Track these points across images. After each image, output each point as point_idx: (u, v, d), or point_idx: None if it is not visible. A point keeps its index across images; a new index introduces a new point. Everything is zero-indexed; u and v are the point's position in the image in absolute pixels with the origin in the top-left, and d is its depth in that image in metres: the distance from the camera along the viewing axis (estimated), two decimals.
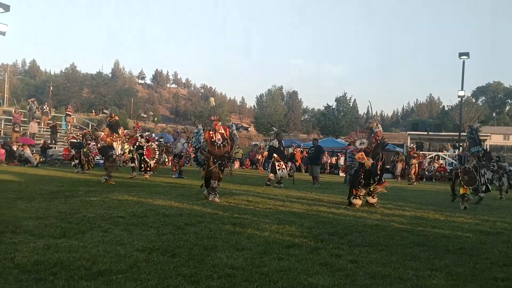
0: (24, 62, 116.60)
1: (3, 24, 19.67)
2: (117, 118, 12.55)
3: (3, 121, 24.85)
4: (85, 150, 16.56)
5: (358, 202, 9.21)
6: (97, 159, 22.79)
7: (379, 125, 9.65)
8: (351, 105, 68.59)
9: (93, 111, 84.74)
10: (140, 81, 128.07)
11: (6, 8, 19.63)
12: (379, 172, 9.30)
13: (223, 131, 9.35)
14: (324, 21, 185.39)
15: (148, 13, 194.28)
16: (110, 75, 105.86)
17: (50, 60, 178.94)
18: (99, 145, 13.39)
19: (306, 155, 24.22)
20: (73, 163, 17.02)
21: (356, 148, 9.37)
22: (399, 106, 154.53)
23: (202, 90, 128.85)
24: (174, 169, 16.36)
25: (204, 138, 9.36)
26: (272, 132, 15.41)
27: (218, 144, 9.18)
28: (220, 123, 9.56)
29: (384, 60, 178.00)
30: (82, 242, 4.67)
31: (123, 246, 4.56)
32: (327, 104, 69.37)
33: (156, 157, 15.09)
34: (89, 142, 17.22)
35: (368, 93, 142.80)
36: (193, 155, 25.28)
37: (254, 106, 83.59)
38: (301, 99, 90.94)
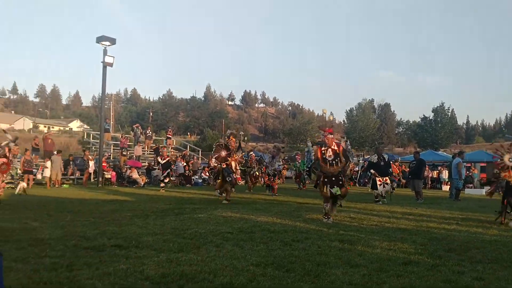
0: (126, 91, 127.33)
1: (110, 56, 21.48)
2: (233, 139, 12.57)
3: (112, 146, 27.00)
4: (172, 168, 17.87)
5: None
6: (196, 178, 23.99)
7: None
8: (449, 115, 64.73)
9: (189, 133, 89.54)
10: (230, 102, 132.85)
11: (113, 41, 21.49)
12: None
13: (335, 147, 8.29)
14: (416, 31, 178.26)
15: (234, 38, 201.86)
16: (202, 99, 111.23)
17: (149, 87, 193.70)
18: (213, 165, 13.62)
19: (405, 169, 23.24)
20: (162, 184, 17.81)
21: (504, 163, 8.35)
22: (502, 114, 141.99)
23: (290, 108, 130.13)
24: (271, 186, 16.27)
25: (313, 155, 8.40)
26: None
27: (330, 162, 8.16)
28: (332, 136, 8.45)
29: (482, 67, 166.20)
30: (199, 256, 4.89)
31: (238, 261, 4.70)
32: (424, 115, 66.20)
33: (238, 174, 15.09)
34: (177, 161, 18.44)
35: (467, 102, 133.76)
36: (285, 172, 25.07)
37: (343, 121, 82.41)
38: (394, 111, 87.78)
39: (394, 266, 4.60)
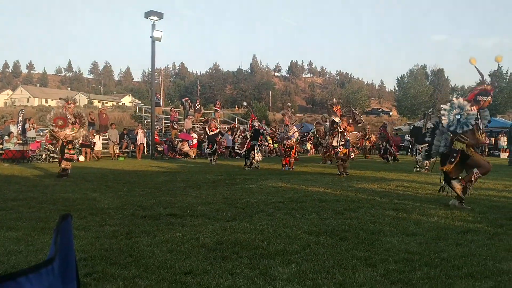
0: (174, 65, 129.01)
1: (158, 31, 21.71)
2: (339, 106, 12.14)
3: (163, 119, 27.66)
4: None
5: None
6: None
7: None
8: (508, 79, 61.12)
9: (236, 106, 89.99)
10: (276, 74, 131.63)
11: (160, 16, 21.67)
12: None
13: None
14: None
15: (280, 7, 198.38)
16: (249, 71, 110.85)
17: (196, 61, 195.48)
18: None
19: None
20: (210, 158, 17.41)
21: None
22: None
23: (338, 77, 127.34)
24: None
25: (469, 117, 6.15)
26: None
27: (482, 129, 6.30)
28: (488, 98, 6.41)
29: None
30: (252, 224, 4.96)
31: (290, 229, 4.73)
32: (480, 80, 62.94)
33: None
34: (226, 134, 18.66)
35: None
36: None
37: (394, 88, 79.68)
38: (448, 77, 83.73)
39: (452, 235, 4.46)
